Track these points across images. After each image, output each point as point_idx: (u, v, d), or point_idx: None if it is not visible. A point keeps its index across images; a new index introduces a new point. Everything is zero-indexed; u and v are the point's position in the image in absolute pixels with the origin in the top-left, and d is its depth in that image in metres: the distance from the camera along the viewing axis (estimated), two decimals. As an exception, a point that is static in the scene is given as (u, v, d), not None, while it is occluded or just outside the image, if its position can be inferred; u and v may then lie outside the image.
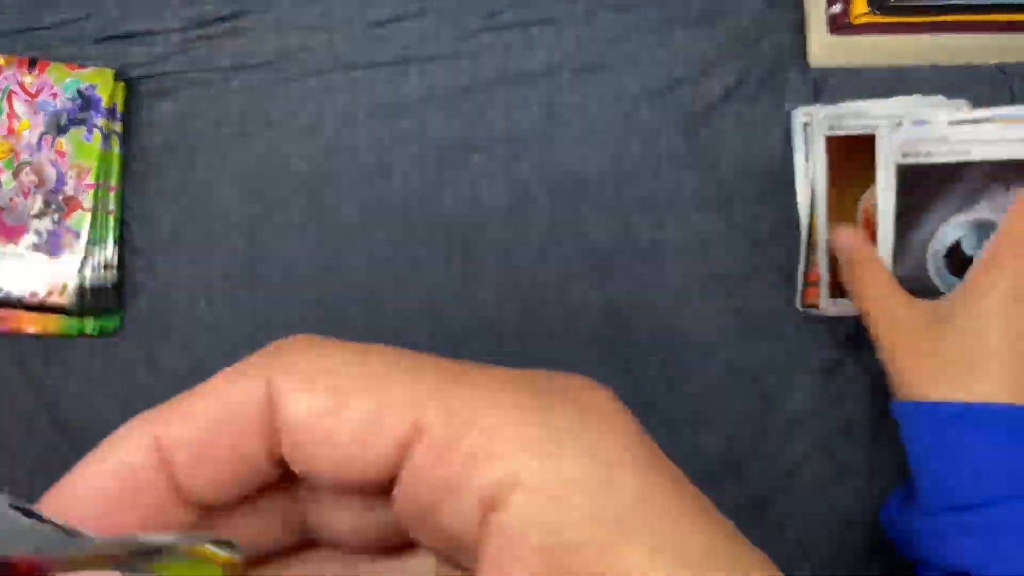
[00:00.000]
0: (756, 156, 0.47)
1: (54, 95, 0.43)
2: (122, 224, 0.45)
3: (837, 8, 0.46)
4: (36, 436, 0.45)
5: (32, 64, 0.44)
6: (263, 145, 0.46)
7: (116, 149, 0.45)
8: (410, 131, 0.46)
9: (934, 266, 0.40)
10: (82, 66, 0.44)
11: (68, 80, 0.44)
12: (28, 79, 0.43)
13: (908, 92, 0.47)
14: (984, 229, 0.40)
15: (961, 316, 0.36)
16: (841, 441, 0.46)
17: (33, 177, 0.43)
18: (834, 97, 0.47)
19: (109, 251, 0.44)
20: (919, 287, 0.40)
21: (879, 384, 0.46)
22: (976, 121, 0.39)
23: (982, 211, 0.40)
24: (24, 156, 0.43)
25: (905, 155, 0.40)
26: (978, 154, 0.39)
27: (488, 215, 0.46)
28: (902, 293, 0.39)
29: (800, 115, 0.46)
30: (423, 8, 0.46)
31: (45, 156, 0.43)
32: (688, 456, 0.45)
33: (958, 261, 0.40)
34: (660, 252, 0.46)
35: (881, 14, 0.45)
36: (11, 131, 0.43)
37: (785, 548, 0.46)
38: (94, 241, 0.44)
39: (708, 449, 0.46)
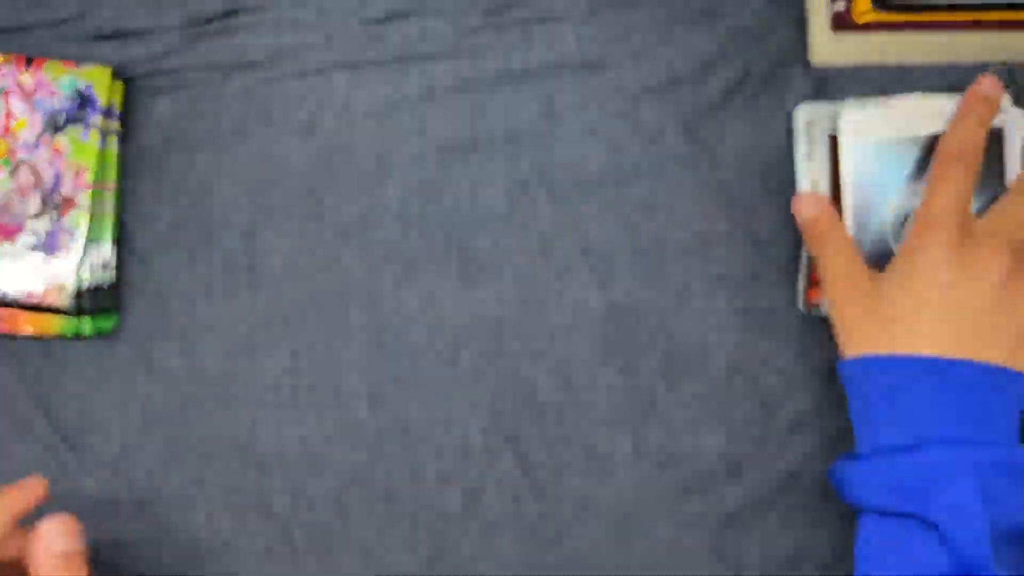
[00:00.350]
0: (758, 155, 0.47)
1: (51, 93, 0.43)
2: (120, 223, 0.45)
3: (840, 6, 0.46)
4: (33, 436, 0.45)
5: (29, 62, 0.43)
6: (261, 144, 0.46)
7: (114, 148, 0.45)
8: (409, 129, 0.46)
9: (893, 233, 0.44)
10: (79, 64, 0.44)
11: (65, 79, 0.43)
12: (25, 77, 0.43)
13: (911, 90, 0.47)
14: None
15: (897, 274, 0.40)
16: (843, 442, 0.46)
17: (30, 176, 0.43)
18: (837, 95, 0.47)
19: (107, 251, 0.44)
20: (884, 252, 0.43)
21: (881, 385, 0.46)
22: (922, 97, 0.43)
23: None
24: (21, 155, 0.43)
25: (857, 133, 0.43)
26: (925, 128, 0.43)
27: (488, 214, 0.46)
28: (859, 260, 0.41)
29: (802, 113, 0.46)
30: (422, 6, 0.46)
31: (42, 155, 0.43)
32: (689, 456, 0.46)
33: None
34: (661, 251, 0.46)
35: (884, 12, 0.45)
36: (8, 130, 0.43)
37: (786, 548, 0.46)
38: (91, 241, 0.44)
39: (709, 449, 0.46)
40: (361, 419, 0.45)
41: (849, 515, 0.46)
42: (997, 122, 0.43)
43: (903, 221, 0.43)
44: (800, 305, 0.46)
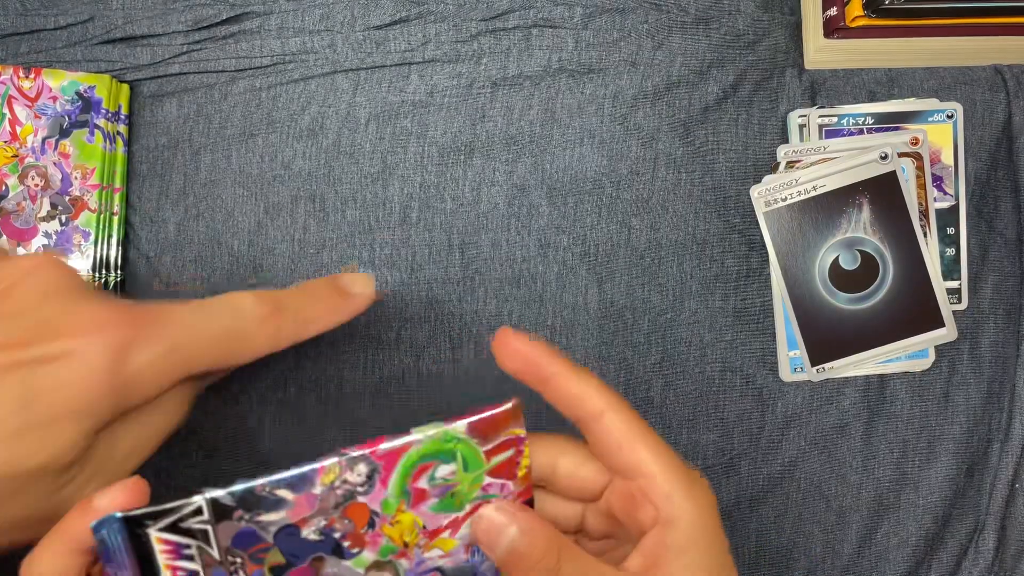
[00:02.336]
0: (752, 158, 0.47)
1: (53, 98, 0.44)
2: (126, 224, 0.46)
3: (833, 11, 0.47)
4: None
5: (27, 69, 0.44)
6: (266, 147, 0.46)
7: (120, 150, 0.45)
8: (411, 133, 0.46)
9: (820, 281, 0.46)
10: (76, 71, 0.44)
11: (66, 83, 0.44)
12: (26, 84, 0.44)
13: (903, 95, 0.47)
14: (852, 245, 0.46)
15: None
16: (835, 439, 0.47)
17: (39, 180, 0.44)
18: (830, 100, 0.47)
19: (113, 252, 0.45)
20: (812, 298, 0.46)
21: (872, 383, 0.47)
22: (813, 163, 0.46)
23: (847, 230, 0.46)
24: (29, 160, 0.44)
25: (768, 204, 0.46)
26: (825, 186, 0.46)
27: (488, 215, 0.46)
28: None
29: (796, 117, 0.47)
30: (423, 12, 0.46)
31: (49, 159, 0.44)
32: (686, 453, 0.46)
33: (837, 275, 0.46)
34: (657, 252, 0.47)
35: (877, 17, 0.46)
36: (14, 136, 0.44)
37: (781, 543, 0.47)
38: (98, 242, 0.44)
39: (705, 446, 0.47)
40: (363, 417, 0.46)
41: (843, 511, 0.47)
42: (891, 165, 0.45)
43: (829, 269, 0.46)
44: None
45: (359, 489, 0.28)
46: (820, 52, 0.47)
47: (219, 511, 0.26)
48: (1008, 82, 0.48)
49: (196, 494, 0.26)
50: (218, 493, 0.26)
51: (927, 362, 0.47)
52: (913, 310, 0.46)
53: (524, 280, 0.46)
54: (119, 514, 0.26)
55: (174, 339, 0.31)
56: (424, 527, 0.30)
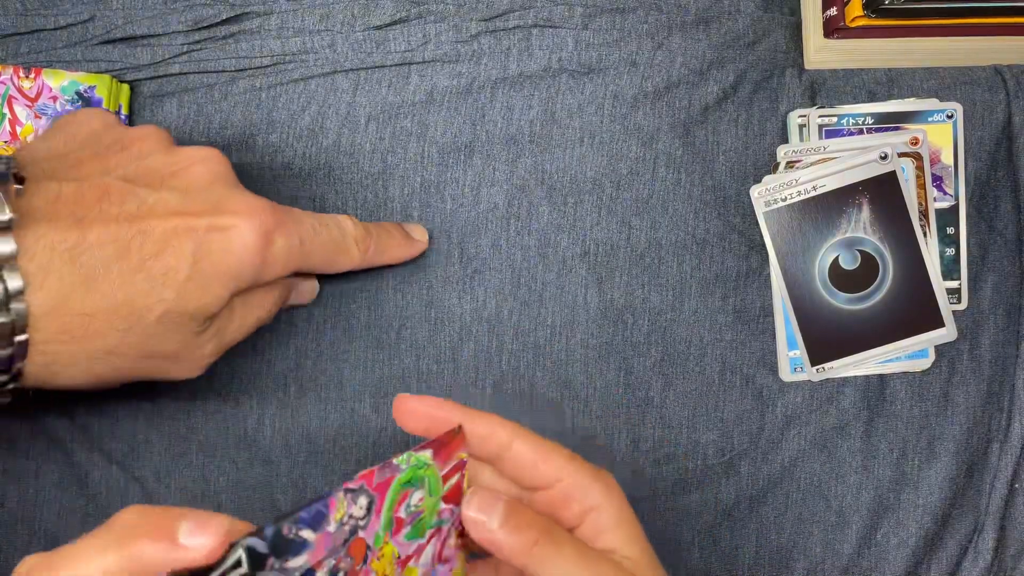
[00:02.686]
0: (752, 158, 0.47)
1: (53, 98, 0.44)
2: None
3: (833, 11, 0.47)
4: (41, 434, 0.45)
5: (27, 69, 0.44)
6: (266, 147, 0.46)
7: (120, 151, 0.45)
8: (411, 133, 0.46)
9: (820, 281, 0.46)
10: (76, 71, 0.44)
11: (66, 83, 0.44)
12: (26, 84, 0.44)
13: (903, 95, 0.47)
14: (852, 245, 0.46)
15: None
16: (835, 439, 0.47)
17: (39, 179, 0.44)
18: (830, 100, 0.47)
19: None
20: (812, 298, 0.46)
21: (872, 383, 0.47)
22: (813, 163, 0.46)
23: (847, 231, 0.46)
24: (30, 158, 0.44)
25: (768, 204, 0.46)
26: (825, 186, 0.46)
27: (488, 215, 0.46)
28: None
29: (796, 117, 0.47)
30: (423, 12, 0.46)
31: (50, 158, 0.44)
32: (686, 453, 0.46)
33: (836, 275, 0.46)
34: (657, 252, 0.47)
35: (877, 17, 0.46)
36: (14, 136, 0.44)
37: (781, 543, 0.47)
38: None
39: (705, 446, 0.47)
40: (364, 416, 0.46)
41: (843, 511, 0.47)
42: (891, 165, 0.45)
43: (829, 269, 0.46)
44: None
45: (360, 523, 0.28)
46: (820, 52, 0.47)
47: (255, 561, 0.25)
48: (1008, 82, 0.48)
49: (231, 546, 0.25)
50: (253, 541, 0.25)
51: (927, 362, 0.47)
52: (913, 310, 0.46)
53: (524, 280, 0.46)
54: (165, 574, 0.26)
55: (301, 235, 0.38)
56: (399, 556, 0.30)
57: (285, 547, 0.26)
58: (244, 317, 0.38)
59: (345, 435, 0.46)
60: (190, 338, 0.36)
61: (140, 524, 0.26)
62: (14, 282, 0.31)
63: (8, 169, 0.32)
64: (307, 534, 0.26)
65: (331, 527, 0.27)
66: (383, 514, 0.29)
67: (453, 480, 0.32)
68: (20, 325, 0.32)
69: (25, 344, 0.32)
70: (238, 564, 0.25)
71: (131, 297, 0.33)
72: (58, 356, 0.33)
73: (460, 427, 0.32)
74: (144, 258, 0.33)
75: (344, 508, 0.28)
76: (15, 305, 0.31)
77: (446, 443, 0.31)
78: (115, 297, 0.33)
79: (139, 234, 0.33)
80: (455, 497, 0.32)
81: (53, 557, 0.26)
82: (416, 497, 0.30)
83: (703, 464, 0.47)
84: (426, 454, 0.30)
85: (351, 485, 0.28)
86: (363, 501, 0.28)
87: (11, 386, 0.34)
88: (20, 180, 0.33)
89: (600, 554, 0.32)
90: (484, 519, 0.31)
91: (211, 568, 0.25)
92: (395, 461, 0.29)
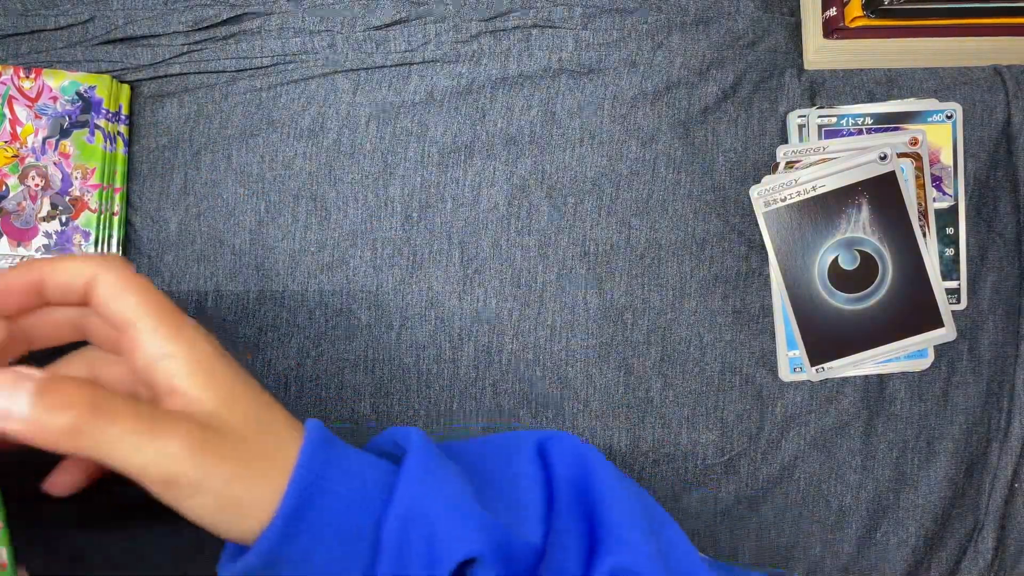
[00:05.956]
0: (751, 158, 0.47)
1: (53, 98, 0.44)
2: (128, 225, 0.46)
3: (832, 12, 0.47)
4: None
5: (28, 69, 0.44)
6: (266, 146, 0.46)
7: (120, 151, 0.45)
8: (411, 133, 0.46)
9: (820, 281, 0.46)
10: (76, 71, 0.44)
11: (66, 83, 0.44)
12: (26, 84, 0.44)
13: (903, 95, 0.48)
14: (852, 245, 0.46)
15: None
16: (835, 439, 0.47)
17: (39, 180, 0.44)
18: (829, 100, 0.48)
19: (113, 252, 0.45)
20: (811, 298, 0.46)
21: (872, 383, 0.47)
22: (812, 164, 0.46)
23: (847, 231, 0.46)
24: (29, 160, 0.44)
25: (767, 204, 0.46)
26: (825, 186, 0.46)
27: (488, 215, 0.46)
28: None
29: (795, 118, 0.47)
30: (423, 12, 0.46)
31: (50, 159, 0.44)
32: (686, 452, 0.46)
33: (836, 275, 0.46)
34: (657, 252, 0.47)
35: (876, 18, 0.46)
36: (15, 136, 0.44)
37: (781, 543, 0.47)
38: (98, 242, 0.44)
39: (705, 446, 0.47)
40: (365, 415, 0.46)
41: (843, 510, 0.47)
42: (891, 165, 0.45)
43: (828, 268, 0.46)
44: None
45: None
46: (819, 52, 0.47)
47: None
48: (1007, 82, 0.48)
49: None
50: None
51: (926, 362, 0.47)
52: (912, 310, 0.46)
53: (524, 280, 0.46)
54: None
55: None
56: None
57: None
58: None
59: (345, 435, 0.46)
60: None
61: None
62: None
63: None
64: None
65: None
66: None
67: None
68: None
69: None
70: None
71: None
72: None
73: None
74: None
75: None
76: None
77: None
78: None
79: None
80: None
81: None
82: None
83: (702, 464, 0.47)
84: None
85: None
86: None
87: None
88: None
89: (165, 414, 0.28)
90: (8, 406, 0.26)
91: None
92: None
